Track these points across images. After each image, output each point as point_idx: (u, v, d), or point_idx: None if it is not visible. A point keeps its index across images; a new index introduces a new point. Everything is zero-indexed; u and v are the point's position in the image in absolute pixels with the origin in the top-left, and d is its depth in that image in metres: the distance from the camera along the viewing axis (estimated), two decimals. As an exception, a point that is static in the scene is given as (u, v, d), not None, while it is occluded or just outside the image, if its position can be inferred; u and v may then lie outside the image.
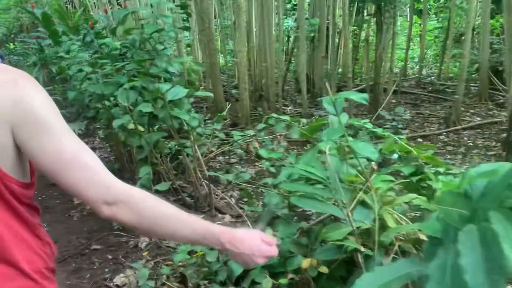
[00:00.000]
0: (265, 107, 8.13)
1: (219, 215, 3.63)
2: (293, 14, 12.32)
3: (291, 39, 11.00)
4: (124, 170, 4.41)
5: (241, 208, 3.68)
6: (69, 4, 16.64)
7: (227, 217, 3.59)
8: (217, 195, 3.85)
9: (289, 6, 13.53)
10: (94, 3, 11.04)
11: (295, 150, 5.35)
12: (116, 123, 3.02)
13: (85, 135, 6.56)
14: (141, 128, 3.23)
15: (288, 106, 9.03)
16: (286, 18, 12.01)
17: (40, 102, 0.88)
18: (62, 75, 7.16)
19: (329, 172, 1.86)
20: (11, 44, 24.54)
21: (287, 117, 2.97)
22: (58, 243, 3.22)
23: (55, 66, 6.11)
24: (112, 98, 3.75)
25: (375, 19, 8.08)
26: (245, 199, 4.01)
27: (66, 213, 3.78)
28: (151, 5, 4.74)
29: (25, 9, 8.24)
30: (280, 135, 4.12)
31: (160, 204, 0.97)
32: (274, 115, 3.17)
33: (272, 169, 3.20)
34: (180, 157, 3.97)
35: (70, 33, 6.96)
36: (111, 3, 9.12)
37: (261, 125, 3.52)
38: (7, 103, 0.82)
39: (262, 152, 2.95)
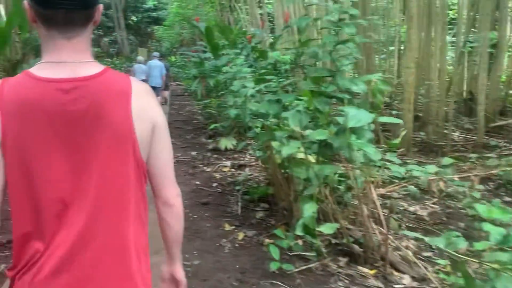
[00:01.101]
0: (429, 131, 7.07)
1: (395, 274, 2.88)
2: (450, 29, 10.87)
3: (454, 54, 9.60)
4: (278, 197, 3.96)
5: (425, 267, 2.88)
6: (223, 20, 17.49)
7: (406, 279, 2.82)
8: (391, 245, 3.10)
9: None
10: (247, 17, 11.27)
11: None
12: (285, 151, 2.53)
13: (235, 150, 6.41)
14: (311, 158, 2.69)
15: (454, 132, 7.74)
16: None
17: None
18: (218, 88, 7.26)
19: None
20: (172, 57, 27.08)
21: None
22: (208, 281, 2.86)
23: (212, 79, 6.16)
24: (273, 118, 3.34)
25: None
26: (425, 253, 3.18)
27: (217, 242, 3.45)
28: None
29: (190, 23, 8.59)
30: (476, 175, 3.19)
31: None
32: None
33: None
34: (342, 189, 3.35)
35: (229, 47, 6.98)
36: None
37: (447, 160, 2.69)
38: (155, 109, 1.10)
39: (482, 209, 2.12)
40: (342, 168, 2.96)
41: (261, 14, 11.51)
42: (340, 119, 2.77)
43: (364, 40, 4.33)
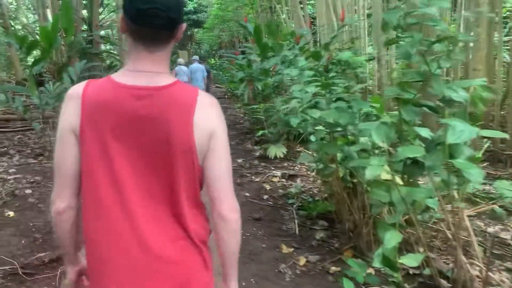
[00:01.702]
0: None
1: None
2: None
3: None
4: (341, 216, 3.53)
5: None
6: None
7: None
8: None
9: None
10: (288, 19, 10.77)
11: None
12: (370, 172, 2.09)
13: (284, 159, 6.01)
14: (397, 179, 2.25)
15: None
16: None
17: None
18: (266, 92, 6.91)
19: None
20: (212, 59, 27.00)
21: None
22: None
23: (261, 82, 5.79)
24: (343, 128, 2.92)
25: None
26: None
27: (276, 267, 3.06)
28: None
29: (239, 23, 8.28)
30: None
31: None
32: None
33: None
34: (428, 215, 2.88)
35: (277, 49, 6.60)
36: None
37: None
38: (214, 120, 1.16)
39: None
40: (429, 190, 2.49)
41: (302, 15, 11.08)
42: (423, 132, 2.33)
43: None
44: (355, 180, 3.33)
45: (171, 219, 1.15)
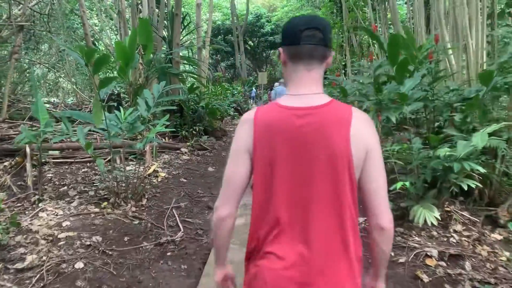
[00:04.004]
0: None
1: None
2: None
3: None
4: None
5: None
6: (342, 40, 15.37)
7: None
8: None
9: None
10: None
11: None
12: None
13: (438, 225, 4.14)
14: None
15: None
16: None
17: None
18: (402, 124, 5.17)
19: None
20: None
21: None
22: None
23: (396, 112, 4.10)
24: None
25: None
26: None
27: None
28: None
29: (364, 29, 6.66)
30: None
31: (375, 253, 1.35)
32: None
33: None
34: None
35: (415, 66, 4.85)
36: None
37: None
38: (370, 134, 1.28)
39: None
40: None
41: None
42: None
43: None
44: None
45: (338, 235, 1.25)
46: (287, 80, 1.34)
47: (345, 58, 22.12)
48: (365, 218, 1.32)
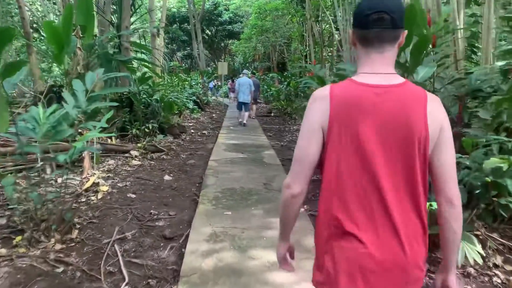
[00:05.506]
0: None
1: None
2: None
3: None
4: None
5: None
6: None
7: None
8: None
9: None
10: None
11: None
12: None
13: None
14: None
15: None
16: None
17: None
18: None
19: None
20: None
21: None
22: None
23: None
24: None
25: None
26: None
27: None
28: None
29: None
30: None
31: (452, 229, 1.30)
32: None
33: None
34: None
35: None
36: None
37: None
38: (443, 113, 1.28)
39: None
40: None
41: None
42: None
43: None
44: None
45: (413, 213, 1.26)
46: (359, 60, 1.34)
47: (307, 48, 21.29)
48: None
